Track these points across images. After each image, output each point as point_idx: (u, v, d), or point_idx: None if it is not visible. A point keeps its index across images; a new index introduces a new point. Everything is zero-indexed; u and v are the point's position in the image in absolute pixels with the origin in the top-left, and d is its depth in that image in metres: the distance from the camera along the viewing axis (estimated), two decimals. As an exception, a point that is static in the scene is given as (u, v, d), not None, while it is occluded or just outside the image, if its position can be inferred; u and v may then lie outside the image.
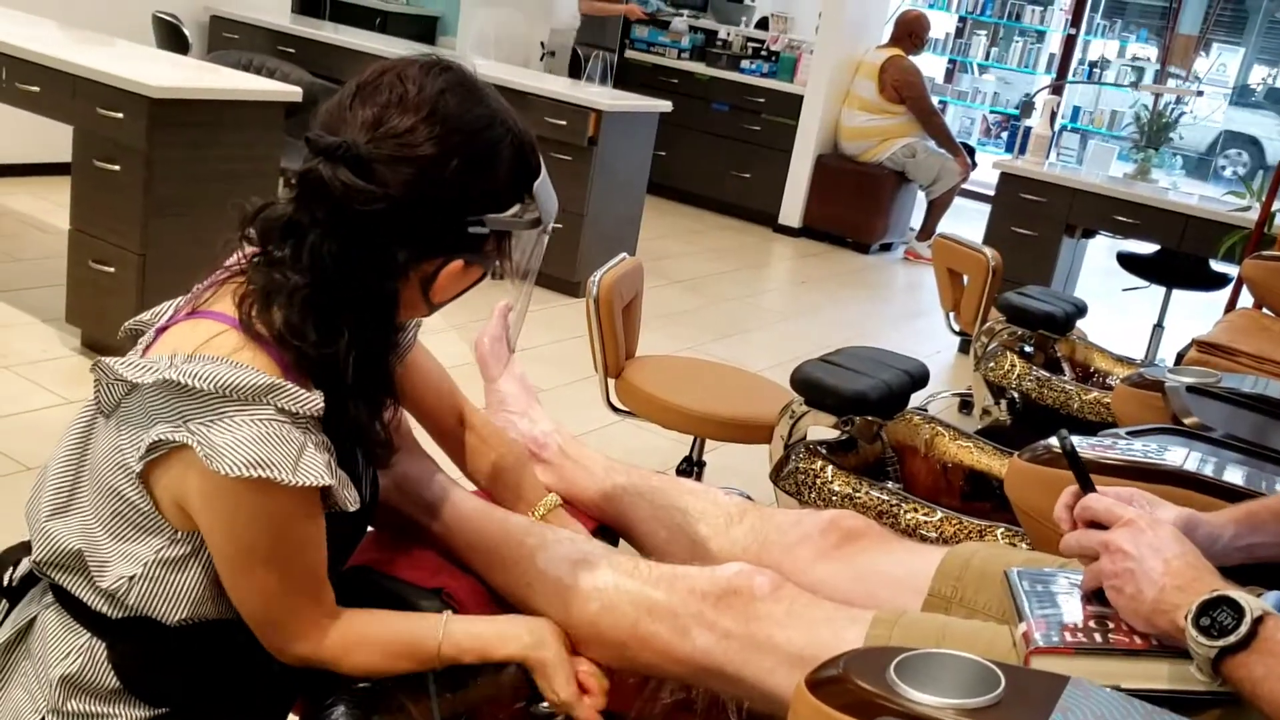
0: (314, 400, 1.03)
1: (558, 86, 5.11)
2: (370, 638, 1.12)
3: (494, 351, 1.62)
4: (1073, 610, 1.05)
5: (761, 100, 6.91)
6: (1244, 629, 0.88)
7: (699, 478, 2.82)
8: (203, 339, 1.05)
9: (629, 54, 7.42)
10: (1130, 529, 1.02)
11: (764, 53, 7.16)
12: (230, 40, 5.61)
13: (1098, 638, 0.99)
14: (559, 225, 4.63)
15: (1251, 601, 0.90)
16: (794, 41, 7.09)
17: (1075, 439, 1.48)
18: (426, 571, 1.26)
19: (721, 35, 7.47)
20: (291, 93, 3.48)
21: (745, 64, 7.09)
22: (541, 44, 7.47)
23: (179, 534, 1.07)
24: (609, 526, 1.47)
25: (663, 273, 5.46)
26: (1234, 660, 0.89)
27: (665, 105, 5.13)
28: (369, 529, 1.27)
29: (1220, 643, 0.89)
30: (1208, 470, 1.37)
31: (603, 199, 4.78)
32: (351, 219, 1.03)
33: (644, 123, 4.99)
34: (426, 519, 1.32)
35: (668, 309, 4.93)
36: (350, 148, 1.02)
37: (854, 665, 0.86)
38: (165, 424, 1.01)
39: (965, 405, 4.16)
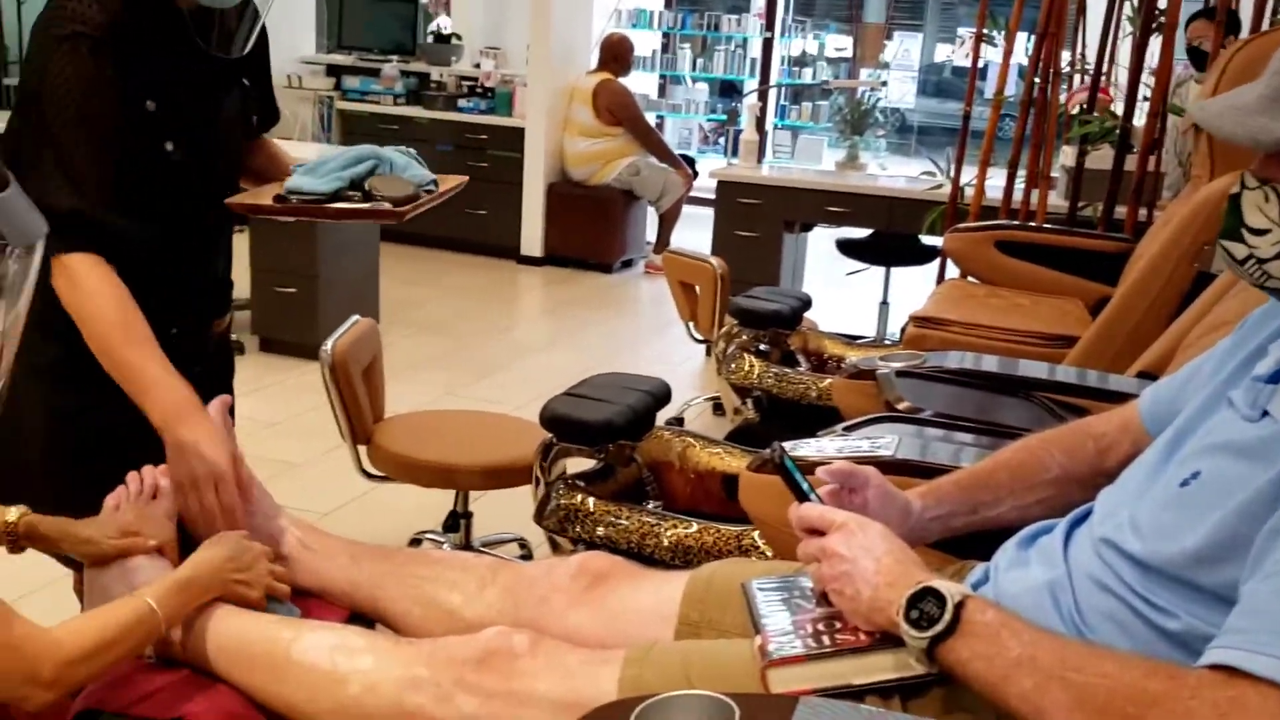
0: None
1: (269, 149, 4.94)
2: (96, 632, 1.12)
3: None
4: (805, 615, 1.09)
5: (485, 137, 6.92)
6: (947, 617, 0.95)
7: (468, 530, 2.78)
8: None
9: (343, 105, 7.27)
10: (843, 533, 1.08)
11: (479, 90, 7.17)
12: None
13: (825, 640, 1.04)
14: (291, 289, 4.55)
15: (951, 589, 0.97)
16: (507, 75, 7.14)
17: (793, 444, 1.56)
18: (161, 702, 1.18)
19: (435, 77, 7.43)
20: None
21: (463, 103, 7.08)
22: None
23: None
24: (363, 614, 1.43)
25: (410, 321, 5.37)
26: (944, 646, 0.96)
27: (385, 155, 5.04)
28: None
29: (928, 633, 0.96)
30: (919, 453, 1.47)
31: (334, 258, 4.65)
32: None
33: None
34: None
35: (421, 357, 4.86)
36: None
37: (597, 723, 0.87)
38: None
39: (719, 408, 4.31)
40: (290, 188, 1.69)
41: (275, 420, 3.95)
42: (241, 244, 4.85)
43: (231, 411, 1.58)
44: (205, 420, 1.46)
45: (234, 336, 4.63)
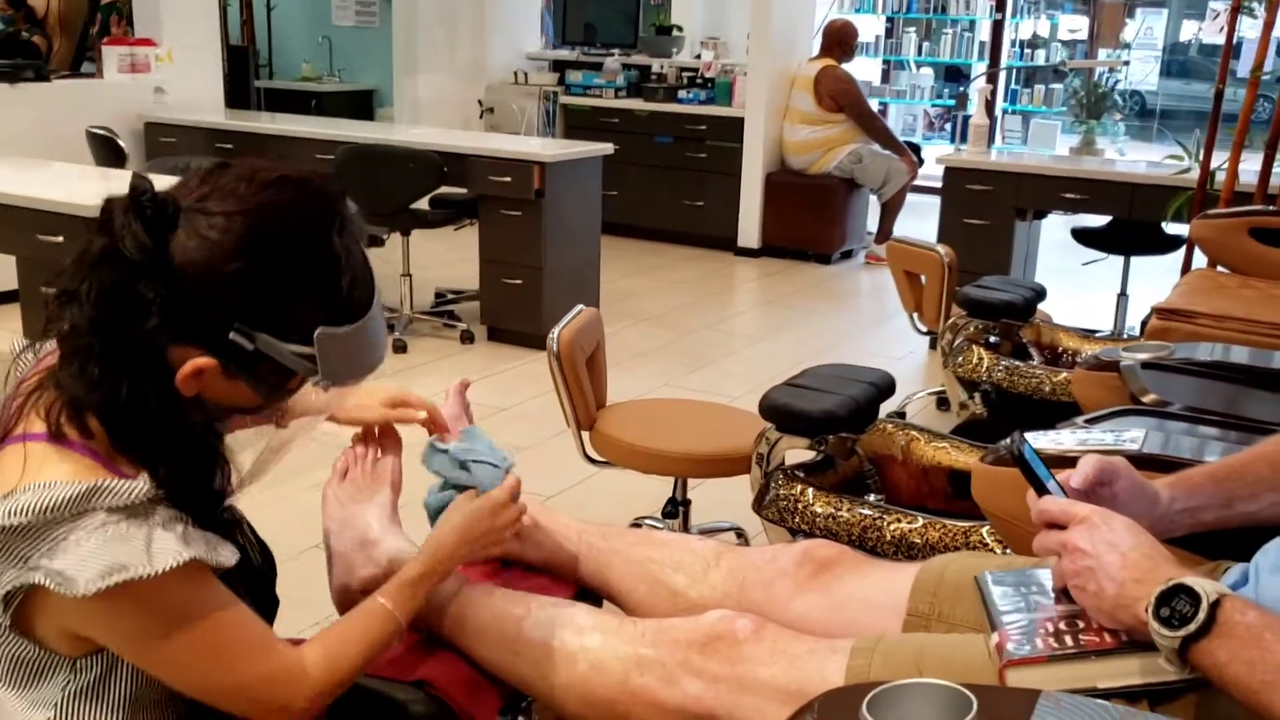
0: (137, 487, 1.00)
1: (498, 143, 5.14)
2: (345, 655, 1.14)
3: (453, 430, 1.62)
4: (1045, 613, 1.05)
5: (703, 128, 6.97)
6: (1201, 616, 0.89)
7: (686, 516, 2.81)
8: (14, 468, 1.01)
9: (565, 100, 7.47)
10: (1086, 526, 1.03)
11: (699, 80, 7.22)
12: (167, 145, 5.61)
13: (1069, 641, 0.99)
14: (517, 281, 4.73)
15: (1207, 586, 0.91)
16: (727, 65, 7.16)
17: (1032, 435, 1.50)
18: (402, 664, 1.25)
19: (655, 69, 7.53)
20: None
21: (682, 94, 7.15)
22: (479, 102, 7.51)
23: (81, 661, 1.05)
24: (589, 589, 1.47)
25: (629, 312, 5.48)
26: (1198, 648, 0.90)
27: (607, 148, 5.16)
28: None
29: (1181, 632, 0.90)
30: (1165, 448, 1.38)
31: (558, 249, 4.80)
32: (122, 273, 0.99)
33: (588, 168, 5.02)
34: None
35: (638, 347, 4.94)
36: (158, 201, 0.99)
37: (828, 708, 0.86)
38: (11, 569, 0.99)
39: (943, 402, 4.18)
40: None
41: (503, 406, 4.11)
42: (471, 237, 5.10)
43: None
44: None
45: (464, 325, 4.92)
